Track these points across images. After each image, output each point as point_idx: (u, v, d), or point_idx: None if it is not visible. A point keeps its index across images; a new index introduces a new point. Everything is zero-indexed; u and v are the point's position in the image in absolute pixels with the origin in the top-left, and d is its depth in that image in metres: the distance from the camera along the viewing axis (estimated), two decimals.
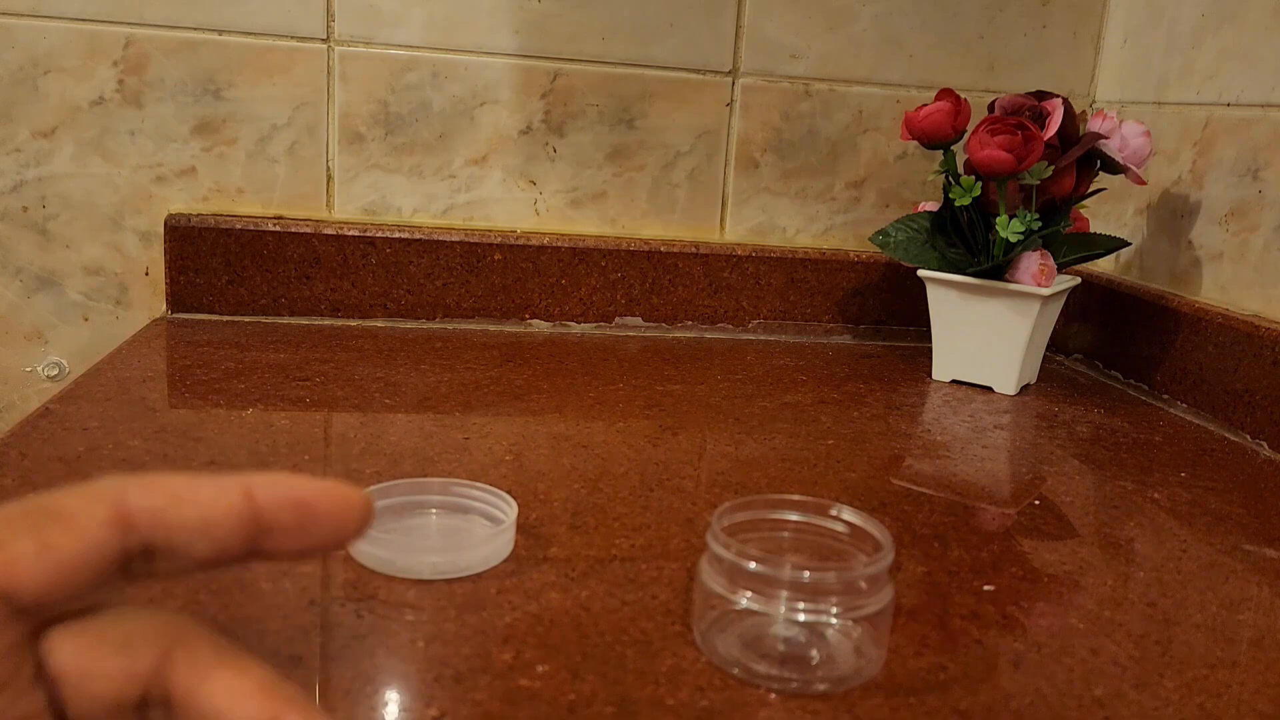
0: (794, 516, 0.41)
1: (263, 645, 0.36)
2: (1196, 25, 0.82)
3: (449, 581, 0.42)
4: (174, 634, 0.20)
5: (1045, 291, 0.74)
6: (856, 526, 0.39)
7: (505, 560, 0.44)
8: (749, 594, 0.36)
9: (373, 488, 0.46)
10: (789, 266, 0.91)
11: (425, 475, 0.53)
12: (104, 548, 0.20)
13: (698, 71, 0.89)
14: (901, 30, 0.90)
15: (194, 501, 0.20)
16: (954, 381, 0.80)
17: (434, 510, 0.47)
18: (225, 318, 0.83)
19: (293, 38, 0.82)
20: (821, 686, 0.36)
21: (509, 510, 0.45)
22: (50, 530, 0.19)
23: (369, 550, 0.42)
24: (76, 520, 0.19)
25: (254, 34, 0.81)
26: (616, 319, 0.90)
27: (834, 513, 0.40)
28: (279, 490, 0.21)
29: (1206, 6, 0.81)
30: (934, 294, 0.79)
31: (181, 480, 0.21)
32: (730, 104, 0.90)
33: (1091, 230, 0.83)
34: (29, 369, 0.84)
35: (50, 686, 0.19)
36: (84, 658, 0.20)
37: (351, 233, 0.84)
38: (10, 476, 0.49)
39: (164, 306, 0.84)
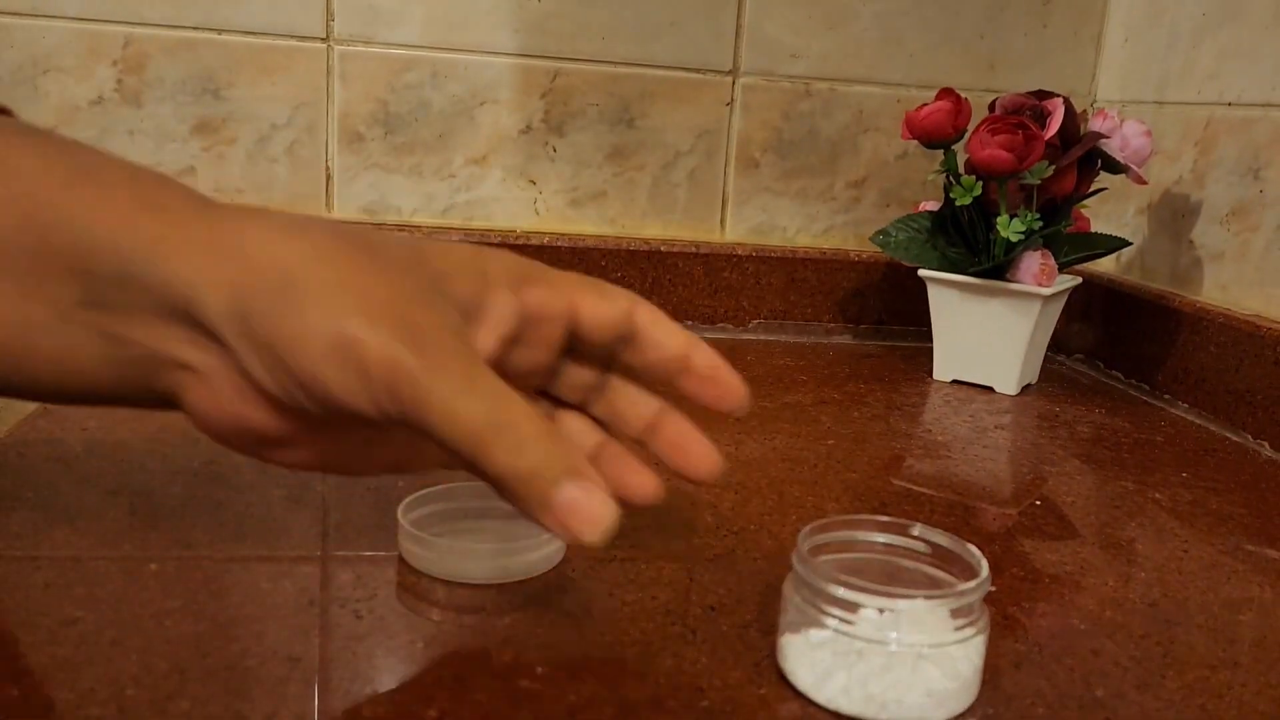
0: (879, 538, 0.39)
1: (261, 646, 0.36)
2: (1197, 24, 0.82)
3: (448, 583, 0.42)
4: (636, 300, 0.36)
5: (1046, 291, 0.74)
6: (943, 548, 0.38)
7: (562, 563, 0.44)
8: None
9: (423, 491, 0.45)
10: (789, 266, 0.91)
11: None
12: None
13: (698, 71, 0.88)
14: (902, 29, 0.90)
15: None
16: (955, 381, 0.80)
17: (488, 514, 0.47)
18: None
19: (292, 37, 0.82)
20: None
21: None
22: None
23: (421, 553, 0.42)
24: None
25: (253, 33, 0.81)
26: None
27: (916, 533, 0.38)
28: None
29: (1207, 6, 0.81)
30: (935, 294, 0.79)
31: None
32: (730, 103, 0.90)
33: (1092, 230, 0.82)
34: None
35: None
36: (598, 303, 0.35)
37: None
38: (9, 476, 0.49)
39: None
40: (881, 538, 0.39)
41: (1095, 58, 0.94)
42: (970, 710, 0.36)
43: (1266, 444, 0.69)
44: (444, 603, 0.40)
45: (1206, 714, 0.37)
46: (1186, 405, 0.77)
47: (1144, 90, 0.88)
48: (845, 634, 0.34)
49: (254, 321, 0.29)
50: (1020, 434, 0.70)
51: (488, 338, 0.33)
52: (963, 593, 0.35)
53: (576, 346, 0.37)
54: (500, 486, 0.30)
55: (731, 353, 0.86)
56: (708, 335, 0.91)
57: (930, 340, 0.81)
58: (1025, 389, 0.80)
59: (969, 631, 0.35)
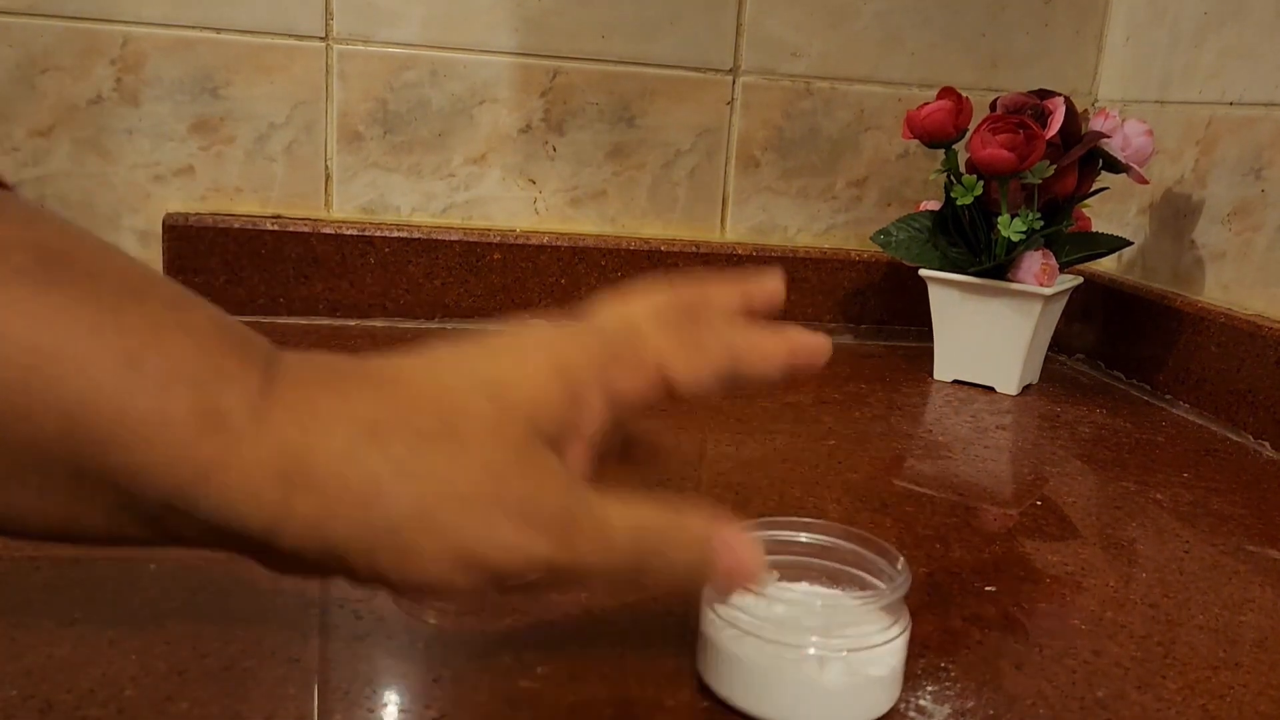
0: (802, 538, 0.38)
1: (261, 647, 0.36)
2: (1199, 24, 0.82)
3: None
4: (733, 339, 0.36)
5: (1047, 291, 0.74)
6: (864, 550, 0.37)
7: None
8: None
9: None
10: (790, 266, 0.91)
11: None
12: None
13: (698, 69, 0.88)
14: (903, 28, 0.90)
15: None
16: (956, 381, 0.80)
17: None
18: None
19: (291, 36, 0.81)
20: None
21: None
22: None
23: None
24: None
25: (252, 32, 0.81)
26: None
27: (838, 535, 0.38)
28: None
29: (1209, 5, 0.81)
30: (935, 293, 0.79)
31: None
32: (731, 102, 0.90)
33: (1094, 229, 0.82)
34: None
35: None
36: (689, 362, 0.35)
37: (350, 232, 0.84)
38: None
39: None
40: (804, 538, 0.38)
41: (1097, 57, 0.94)
42: (897, 712, 0.35)
43: (1268, 444, 0.69)
44: (443, 603, 0.40)
45: (1208, 715, 0.37)
46: (1188, 405, 0.77)
47: (1145, 89, 0.88)
48: (761, 636, 0.33)
49: (350, 559, 0.27)
50: (1021, 434, 0.70)
51: (583, 452, 0.32)
52: (882, 594, 0.35)
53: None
54: (663, 586, 0.33)
55: None
56: None
57: (931, 340, 0.81)
58: (1026, 389, 0.80)
59: (892, 632, 0.34)
